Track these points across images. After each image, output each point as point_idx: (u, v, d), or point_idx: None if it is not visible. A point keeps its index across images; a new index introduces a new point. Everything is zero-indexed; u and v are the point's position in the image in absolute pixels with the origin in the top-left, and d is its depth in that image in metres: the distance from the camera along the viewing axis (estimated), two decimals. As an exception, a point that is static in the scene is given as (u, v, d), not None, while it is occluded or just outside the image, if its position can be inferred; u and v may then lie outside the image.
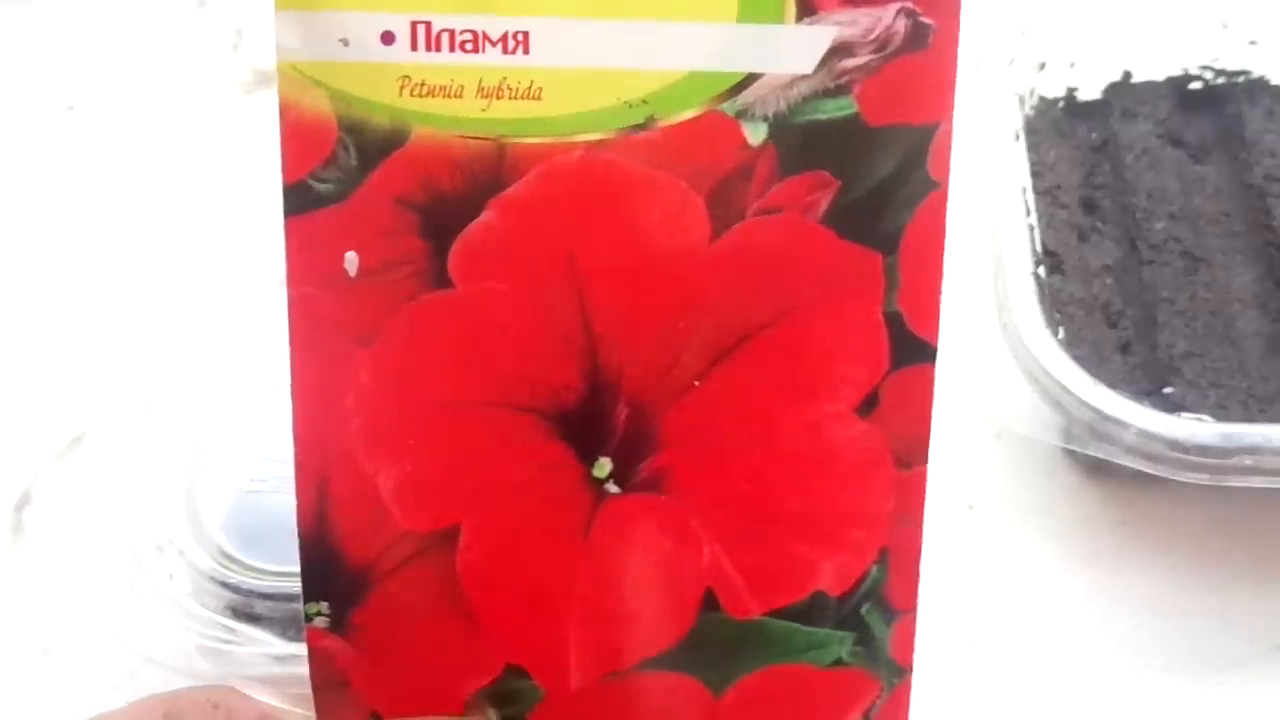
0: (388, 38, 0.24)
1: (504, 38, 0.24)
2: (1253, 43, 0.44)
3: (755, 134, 0.24)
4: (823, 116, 0.24)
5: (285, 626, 0.33)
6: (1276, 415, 0.37)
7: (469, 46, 0.24)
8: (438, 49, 0.24)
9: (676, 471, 0.26)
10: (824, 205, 0.25)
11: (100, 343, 0.44)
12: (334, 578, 0.26)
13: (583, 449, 0.26)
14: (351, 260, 0.25)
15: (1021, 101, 0.43)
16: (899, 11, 0.24)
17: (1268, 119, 0.43)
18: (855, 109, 0.24)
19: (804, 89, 0.24)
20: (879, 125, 0.24)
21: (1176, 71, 0.45)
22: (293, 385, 0.25)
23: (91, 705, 0.27)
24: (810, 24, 0.24)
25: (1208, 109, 0.44)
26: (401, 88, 0.24)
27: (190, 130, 0.49)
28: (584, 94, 0.24)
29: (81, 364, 0.43)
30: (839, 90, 0.24)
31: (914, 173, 0.25)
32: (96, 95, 0.51)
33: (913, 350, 0.26)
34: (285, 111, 0.24)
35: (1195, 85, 0.45)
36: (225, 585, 0.34)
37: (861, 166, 0.25)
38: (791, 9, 0.24)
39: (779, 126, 0.24)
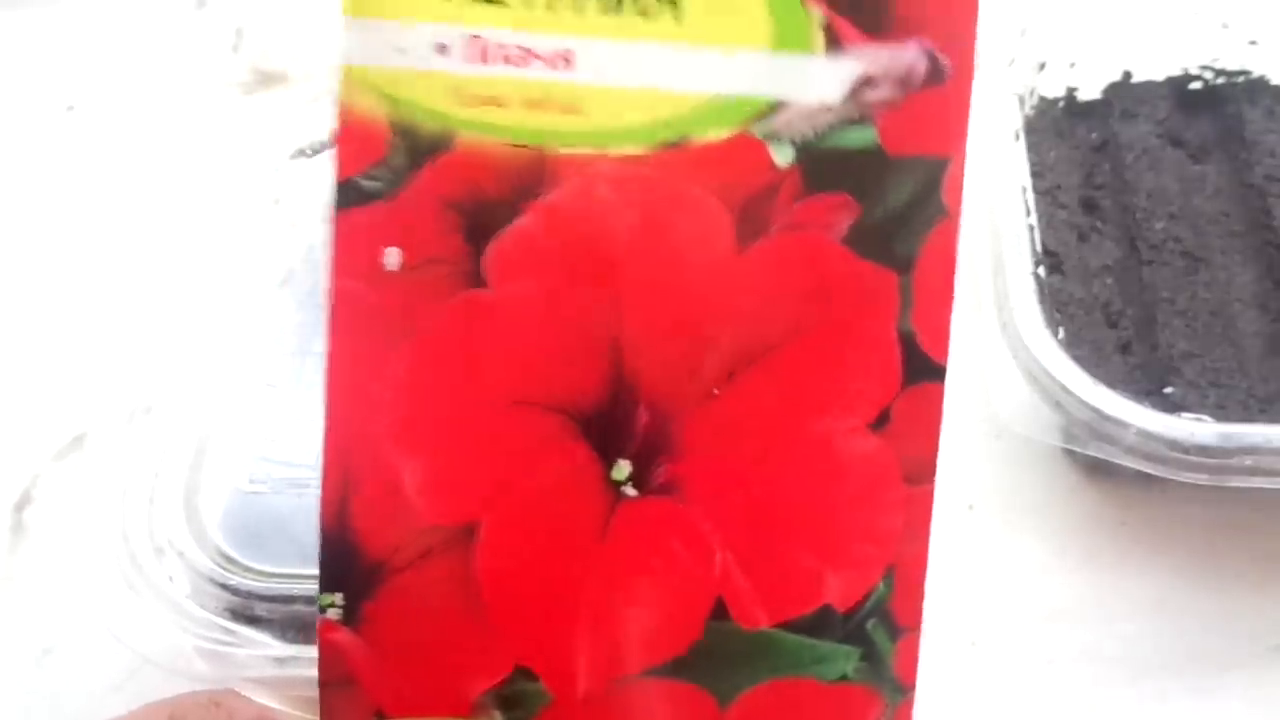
0: (442, 49, 0.25)
1: (550, 55, 0.25)
2: (1253, 43, 0.44)
3: (782, 156, 0.25)
4: (846, 144, 0.25)
5: (284, 628, 0.33)
6: (1276, 415, 0.37)
7: (517, 61, 0.25)
8: (488, 62, 0.25)
9: (692, 477, 0.26)
10: (845, 226, 0.26)
11: (100, 343, 0.44)
12: (351, 569, 0.26)
13: (603, 451, 0.26)
14: (393, 256, 0.25)
15: (1021, 101, 0.43)
16: (919, 50, 0.25)
17: (1268, 119, 0.43)
18: (876, 139, 0.25)
19: (830, 118, 0.25)
20: (898, 155, 0.25)
21: (1176, 71, 0.45)
22: (327, 375, 0.26)
23: (91, 706, 0.27)
24: (837, 57, 0.25)
25: (1208, 109, 0.44)
26: (452, 96, 0.25)
27: (190, 130, 0.49)
28: (623, 110, 0.25)
29: (81, 364, 0.43)
30: (862, 120, 0.25)
31: (928, 200, 0.26)
32: (96, 95, 0.51)
33: (924, 369, 0.26)
34: (343, 113, 0.25)
35: (1195, 85, 0.45)
36: (224, 587, 0.34)
37: (880, 192, 0.26)
38: (820, 42, 0.25)
39: (805, 151, 0.25)
